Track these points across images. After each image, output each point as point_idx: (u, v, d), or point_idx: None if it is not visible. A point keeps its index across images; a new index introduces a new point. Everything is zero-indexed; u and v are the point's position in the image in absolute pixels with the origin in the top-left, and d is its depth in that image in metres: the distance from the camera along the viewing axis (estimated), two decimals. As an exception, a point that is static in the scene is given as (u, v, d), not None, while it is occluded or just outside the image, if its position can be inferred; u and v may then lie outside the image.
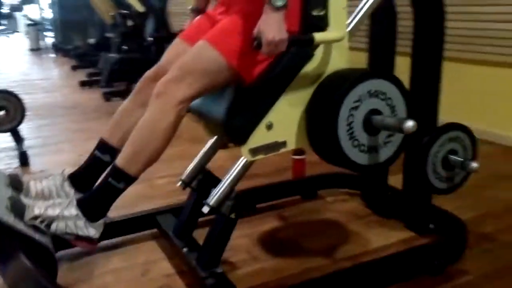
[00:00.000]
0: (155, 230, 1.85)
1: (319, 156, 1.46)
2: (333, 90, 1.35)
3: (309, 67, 1.39)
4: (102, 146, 1.56)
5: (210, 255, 1.46)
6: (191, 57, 1.34)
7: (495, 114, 2.93)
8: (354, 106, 1.35)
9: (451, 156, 1.63)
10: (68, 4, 10.07)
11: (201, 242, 1.54)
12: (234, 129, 1.39)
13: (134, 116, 1.51)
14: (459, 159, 1.63)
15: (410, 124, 1.29)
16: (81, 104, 4.50)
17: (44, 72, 7.25)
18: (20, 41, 12.67)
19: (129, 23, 5.30)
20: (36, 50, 10.74)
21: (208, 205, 1.42)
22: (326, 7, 1.37)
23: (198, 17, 1.59)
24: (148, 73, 1.55)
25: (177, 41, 1.55)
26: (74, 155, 2.96)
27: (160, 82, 1.34)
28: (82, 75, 6.25)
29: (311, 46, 1.34)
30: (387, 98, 1.40)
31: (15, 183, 1.41)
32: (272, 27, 1.20)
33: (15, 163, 2.80)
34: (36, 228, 1.29)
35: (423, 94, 1.73)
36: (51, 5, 10.81)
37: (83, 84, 5.54)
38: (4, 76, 6.43)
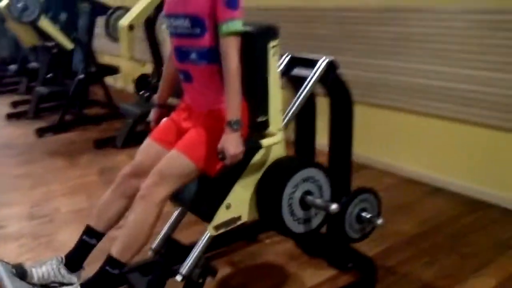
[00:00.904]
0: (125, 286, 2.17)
1: (265, 225, 1.89)
2: (277, 178, 1.79)
3: (256, 158, 1.81)
4: (89, 231, 1.86)
5: (183, 312, 1.83)
6: (167, 164, 1.71)
7: (395, 150, 3.52)
8: (292, 191, 1.80)
9: (362, 215, 2.12)
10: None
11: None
12: (202, 211, 1.79)
13: (115, 206, 1.85)
14: (368, 215, 2.12)
15: (334, 207, 1.76)
16: (14, 143, 4.57)
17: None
18: None
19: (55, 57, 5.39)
20: None
21: (180, 274, 1.79)
22: (267, 113, 1.80)
23: (165, 120, 1.94)
24: (125, 169, 1.87)
25: (148, 142, 1.90)
26: (26, 207, 3.15)
27: (143, 187, 1.70)
28: (5, 102, 6.19)
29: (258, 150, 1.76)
30: (316, 180, 1.86)
31: (20, 273, 1.69)
32: (233, 144, 1.62)
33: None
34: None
35: (340, 164, 2.20)
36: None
37: (9, 116, 5.54)
38: None
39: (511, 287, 2.17)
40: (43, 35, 5.43)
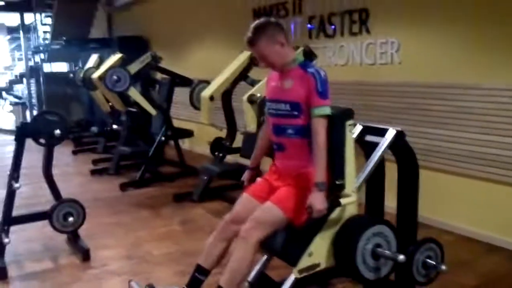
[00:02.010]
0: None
1: (341, 272, 2.26)
2: (352, 233, 2.18)
3: (334, 214, 2.22)
4: (199, 269, 2.29)
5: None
6: (262, 213, 2.16)
7: (452, 209, 3.82)
8: (366, 243, 2.18)
9: (427, 261, 2.44)
10: (52, 82, 10.86)
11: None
12: (289, 257, 2.21)
13: (218, 248, 2.30)
14: (433, 262, 2.45)
15: (401, 257, 2.13)
16: (102, 196, 5.15)
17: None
18: (5, 119, 13.11)
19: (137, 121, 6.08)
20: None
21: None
22: (344, 178, 2.22)
23: (259, 180, 2.41)
24: (227, 217, 2.32)
25: (245, 196, 2.36)
26: (122, 250, 3.63)
27: (242, 231, 2.14)
28: (85, 160, 6.90)
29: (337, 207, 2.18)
30: (385, 236, 2.24)
31: (152, 292, 2.13)
32: (319, 201, 2.06)
33: (78, 258, 3.46)
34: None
35: (407, 217, 2.57)
36: (36, 84, 11.53)
37: (93, 172, 6.21)
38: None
39: None
40: (126, 102, 6.19)
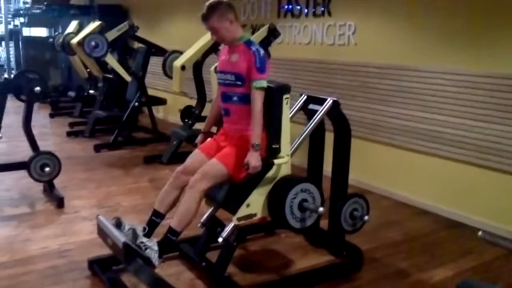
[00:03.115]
0: (177, 253, 2.97)
1: (273, 221, 2.67)
2: (283, 188, 2.58)
3: (269, 173, 2.60)
4: (155, 213, 2.64)
5: (221, 265, 2.62)
6: (208, 167, 2.53)
7: (392, 178, 4.29)
8: (293, 197, 2.58)
9: (354, 213, 2.89)
10: (31, 46, 10.97)
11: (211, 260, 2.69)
12: (230, 206, 2.60)
13: (172, 195, 2.64)
14: (359, 214, 2.89)
15: (321, 210, 2.56)
16: (76, 155, 5.48)
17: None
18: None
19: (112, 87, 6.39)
20: None
21: (222, 237, 2.59)
22: (279, 143, 2.61)
23: (208, 140, 2.78)
24: (179, 168, 2.66)
25: (196, 152, 2.71)
26: (93, 200, 4.01)
27: (191, 181, 2.51)
28: (61, 123, 7.19)
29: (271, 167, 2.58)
30: (310, 192, 2.64)
31: (118, 224, 2.50)
32: (254, 159, 2.45)
33: (53, 205, 3.82)
34: (139, 248, 2.38)
35: (339, 174, 3.00)
36: (15, 47, 11.62)
37: (69, 134, 6.51)
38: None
39: (461, 277, 2.87)
40: (103, 68, 6.48)
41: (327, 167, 3.08)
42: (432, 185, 3.98)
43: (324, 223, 3.16)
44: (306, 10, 4.94)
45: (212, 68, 4.41)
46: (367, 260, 3.01)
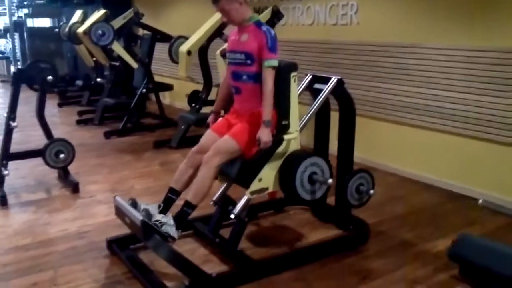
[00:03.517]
0: (191, 231, 3.10)
1: (284, 194, 2.79)
2: (293, 162, 2.69)
3: (280, 148, 2.72)
4: (171, 190, 2.77)
5: (234, 241, 2.75)
6: (221, 143, 2.65)
7: (397, 155, 4.39)
8: (303, 170, 2.69)
9: (360, 187, 3.00)
10: (36, 37, 11.05)
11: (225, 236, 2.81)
12: (242, 181, 2.71)
13: (187, 173, 2.77)
14: (364, 189, 3.00)
15: (330, 181, 2.67)
16: (87, 142, 5.61)
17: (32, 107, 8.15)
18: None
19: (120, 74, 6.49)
20: (7, 81, 11.52)
21: (234, 213, 2.71)
22: (289, 119, 2.71)
23: (219, 119, 2.89)
24: (194, 148, 2.79)
25: (209, 132, 2.83)
26: (107, 185, 4.14)
27: (205, 157, 2.63)
28: (70, 112, 7.31)
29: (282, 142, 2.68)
30: (319, 166, 2.75)
31: (134, 204, 2.63)
32: (265, 135, 2.55)
33: (68, 190, 3.96)
34: (156, 225, 2.51)
35: (345, 151, 3.10)
36: (20, 39, 11.70)
37: (78, 122, 6.64)
38: None
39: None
40: (110, 56, 6.58)
41: (333, 146, 3.19)
42: (435, 160, 4.07)
43: (331, 200, 3.27)
44: (308, -8, 4.99)
45: (218, 52, 4.50)
46: (373, 233, 3.12)
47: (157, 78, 6.62)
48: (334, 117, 3.15)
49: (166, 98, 7.79)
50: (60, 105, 8.05)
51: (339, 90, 2.94)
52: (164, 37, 6.15)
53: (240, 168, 2.73)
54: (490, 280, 1.05)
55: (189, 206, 2.65)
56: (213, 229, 2.94)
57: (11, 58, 12.14)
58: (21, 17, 11.86)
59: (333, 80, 2.92)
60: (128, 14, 5.99)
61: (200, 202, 2.68)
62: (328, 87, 2.92)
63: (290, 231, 3.26)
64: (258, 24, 2.65)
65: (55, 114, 7.37)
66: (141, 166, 4.70)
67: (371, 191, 3.01)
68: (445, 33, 3.82)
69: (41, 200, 3.81)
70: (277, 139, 2.66)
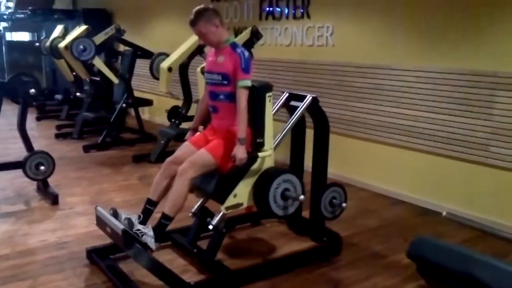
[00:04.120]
0: (169, 242, 3.18)
1: (258, 209, 2.91)
2: (267, 179, 2.81)
3: (255, 165, 2.83)
4: (149, 201, 2.87)
5: (212, 251, 2.84)
6: (196, 157, 2.76)
7: (369, 171, 4.56)
8: (276, 187, 2.81)
9: (333, 201, 3.13)
10: (14, 50, 11.03)
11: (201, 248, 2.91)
12: (218, 197, 2.82)
13: (162, 184, 2.87)
14: (337, 202, 3.14)
15: (301, 197, 2.80)
16: (67, 155, 5.64)
17: (9, 121, 8.11)
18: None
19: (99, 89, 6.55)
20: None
21: (212, 224, 2.81)
22: (263, 137, 2.84)
23: (197, 134, 3.01)
24: (169, 158, 2.90)
25: (186, 144, 2.95)
26: (87, 197, 4.19)
27: (180, 168, 2.73)
28: (49, 126, 7.32)
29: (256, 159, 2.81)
30: (291, 182, 2.87)
31: (115, 214, 2.71)
32: (240, 152, 2.68)
33: (48, 202, 3.99)
34: (136, 235, 2.59)
35: (319, 166, 3.24)
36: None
37: (57, 136, 6.65)
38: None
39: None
40: (90, 71, 6.63)
41: (308, 162, 3.32)
42: (406, 176, 4.25)
43: (306, 214, 3.40)
44: (286, 13, 5.19)
45: (199, 69, 4.63)
46: (346, 245, 3.25)
47: (137, 94, 6.71)
48: (309, 135, 3.29)
49: (145, 113, 7.86)
50: (38, 118, 8.06)
51: (314, 107, 3.10)
52: (145, 54, 6.27)
53: (216, 184, 2.83)
54: (443, 275, 1.18)
55: (166, 218, 2.75)
56: (191, 240, 3.03)
57: (-12, 71, 12.03)
58: (0, 30, 11.81)
59: (308, 98, 3.07)
60: (110, 30, 6.10)
61: (176, 213, 2.77)
62: (304, 104, 3.07)
63: (266, 243, 3.37)
64: (234, 46, 2.79)
65: (34, 128, 7.35)
66: (120, 179, 4.77)
67: (344, 204, 3.15)
68: (416, 55, 4.04)
69: (21, 211, 3.84)
70: (252, 156, 2.78)
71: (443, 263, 1.12)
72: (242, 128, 2.71)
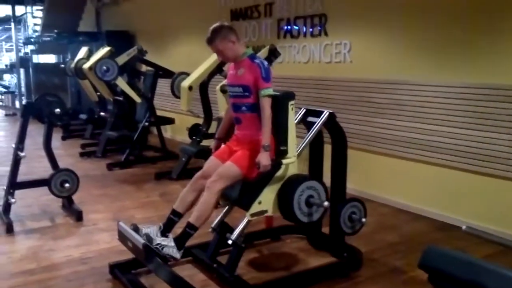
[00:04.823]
0: (190, 258, 3.22)
1: (283, 217, 2.94)
2: (291, 185, 2.86)
3: (279, 172, 2.89)
4: (174, 212, 2.93)
5: (231, 266, 2.87)
6: (223, 169, 2.82)
7: (390, 187, 4.54)
8: (301, 194, 2.85)
9: (352, 216, 3.14)
10: (40, 72, 11.36)
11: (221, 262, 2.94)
12: (243, 204, 2.86)
13: (190, 197, 2.93)
14: (357, 217, 3.15)
15: (326, 203, 2.82)
16: (91, 174, 5.76)
17: (34, 140, 8.33)
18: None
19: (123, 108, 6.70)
20: (12, 115, 11.76)
21: (231, 239, 2.84)
22: (287, 145, 2.89)
23: (223, 146, 3.07)
24: (198, 174, 2.96)
25: (212, 158, 3.01)
26: (109, 214, 4.27)
27: (208, 182, 2.79)
28: (74, 145, 7.50)
29: (280, 166, 2.85)
30: (315, 189, 2.92)
31: (136, 229, 2.78)
32: (264, 159, 2.73)
33: (72, 219, 4.09)
34: (157, 249, 2.65)
35: (338, 181, 3.26)
36: (25, 74, 12.03)
37: (82, 155, 6.81)
38: None
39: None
40: (113, 91, 6.80)
41: (327, 180, 3.34)
42: (427, 191, 4.22)
43: (326, 230, 3.41)
44: (304, 31, 5.26)
45: (218, 87, 4.71)
46: (366, 261, 3.25)
47: (159, 113, 6.84)
48: (328, 150, 3.32)
49: (167, 131, 8.00)
50: (63, 138, 8.24)
51: (331, 123, 3.13)
52: (166, 73, 6.40)
53: (240, 191, 2.89)
54: (454, 285, 1.19)
55: (191, 227, 2.79)
56: (211, 255, 3.07)
57: (16, 93, 12.43)
58: (27, 53, 12.22)
59: (325, 113, 3.11)
60: (132, 51, 6.26)
61: (201, 224, 2.82)
62: (321, 120, 3.10)
63: (285, 258, 3.39)
64: (252, 57, 2.87)
65: (59, 147, 7.53)
66: (142, 196, 4.85)
67: (363, 219, 3.15)
68: (434, 70, 4.05)
69: (46, 227, 3.94)
70: (276, 163, 2.83)
71: (453, 273, 1.13)
72: (266, 136, 2.76)
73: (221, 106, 4.67)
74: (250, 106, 2.85)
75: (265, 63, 2.83)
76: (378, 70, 4.51)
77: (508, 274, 1.04)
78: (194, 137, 5.60)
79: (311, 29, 5.17)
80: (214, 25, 2.86)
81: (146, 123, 6.23)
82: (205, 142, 5.53)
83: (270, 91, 2.78)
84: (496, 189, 3.71)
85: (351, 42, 4.75)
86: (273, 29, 5.68)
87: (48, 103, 3.93)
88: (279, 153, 2.88)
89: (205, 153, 5.19)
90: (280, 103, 2.86)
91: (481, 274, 1.06)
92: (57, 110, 3.89)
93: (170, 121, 6.76)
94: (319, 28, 5.07)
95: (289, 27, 5.45)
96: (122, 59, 6.17)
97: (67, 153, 7.05)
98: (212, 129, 5.50)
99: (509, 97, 3.54)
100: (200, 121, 5.77)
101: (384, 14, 4.42)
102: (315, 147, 3.34)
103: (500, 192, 3.69)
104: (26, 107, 3.94)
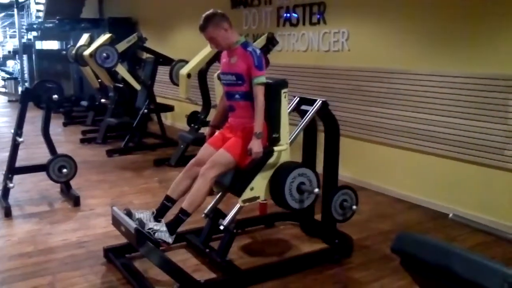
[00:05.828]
0: (184, 243, 3.27)
1: (275, 203, 2.98)
2: (283, 172, 2.89)
3: (271, 159, 2.92)
4: (167, 198, 2.97)
5: (223, 251, 2.92)
6: (217, 157, 2.85)
7: (386, 175, 4.57)
8: (292, 181, 2.89)
9: (344, 203, 3.17)
10: (43, 58, 11.37)
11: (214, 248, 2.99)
12: (235, 190, 2.90)
13: (184, 184, 2.97)
14: (348, 204, 3.18)
15: (316, 190, 2.85)
16: (90, 159, 5.82)
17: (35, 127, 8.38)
18: (-4, 92, 13.57)
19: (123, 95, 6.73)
20: (15, 101, 11.81)
21: (223, 225, 2.89)
22: (279, 132, 2.92)
23: (216, 132, 3.10)
24: (192, 161, 3.00)
25: (205, 145, 3.04)
26: (107, 199, 4.32)
27: (202, 169, 2.83)
28: (74, 131, 7.56)
29: (272, 153, 2.89)
30: (307, 176, 2.95)
31: (129, 214, 2.82)
32: (256, 146, 2.76)
33: (70, 204, 4.15)
34: (149, 234, 2.69)
35: (330, 168, 3.29)
36: (28, 60, 12.07)
37: (82, 141, 6.87)
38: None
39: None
40: (114, 78, 6.83)
41: (319, 169, 3.37)
42: (422, 180, 4.25)
43: (318, 217, 3.44)
44: (303, 19, 5.26)
45: (215, 75, 4.73)
46: (358, 247, 3.29)
47: (159, 100, 6.87)
48: (322, 139, 3.35)
49: (167, 118, 8.03)
50: (65, 124, 8.30)
51: (324, 111, 3.15)
52: (166, 61, 6.42)
53: (233, 177, 2.93)
54: (424, 268, 1.23)
55: (184, 213, 2.84)
56: (203, 240, 3.11)
57: (19, 79, 12.49)
58: (30, 39, 12.25)
59: (318, 102, 3.13)
60: (132, 38, 6.28)
61: (194, 210, 2.86)
62: (314, 108, 3.12)
63: (278, 244, 3.43)
64: (245, 45, 2.88)
65: (60, 133, 7.60)
66: (141, 182, 4.90)
67: (354, 207, 3.19)
68: (432, 59, 4.05)
69: (44, 212, 4.00)
70: (268, 151, 2.86)
71: (422, 257, 1.17)
72: (258, 123, 2.79)
73: (218, 94, 4.68)
74: (244, 94, 2.87)
75: (258, 51, 2.84)
76: (376, 59, 4.51)
77: (472, 257, 1.08)
78: (192, 125, 5.63)
79: (310, 17, 5.16)
80: (207, 12, 2.88)
81: (146, 110, 6.26)
82: (203, 130, 5.56)
83: (263, 79, 2.80)
84: (491, 179, 3.73)
85: (349, 30, 4.75)
86: (272, 17, 5.67)
87: (47, 89, 3.97)
88: (272, 141, 2.91)
89: (203, 141, 5.24)
90: (273, 91, 2.89)
91: (447, 257, 1.09)
92: (55, 96, 3.92)
93: (170, 108, 6.80)
94: (318, 16, 5.07)
95: (289, 14, 5.44)
96: (122, 46, 6.19)
97: (68, 139, 7.11)
98: (210, 117, 5.52)
99: (504, 87, 3.55)
100: (199, 108, 5.80)
101: (383, 3, 4.41)
102: (309, 135, 3.36)
103: (495, 182, 3.71)
104: (24, 93, 3.98)
